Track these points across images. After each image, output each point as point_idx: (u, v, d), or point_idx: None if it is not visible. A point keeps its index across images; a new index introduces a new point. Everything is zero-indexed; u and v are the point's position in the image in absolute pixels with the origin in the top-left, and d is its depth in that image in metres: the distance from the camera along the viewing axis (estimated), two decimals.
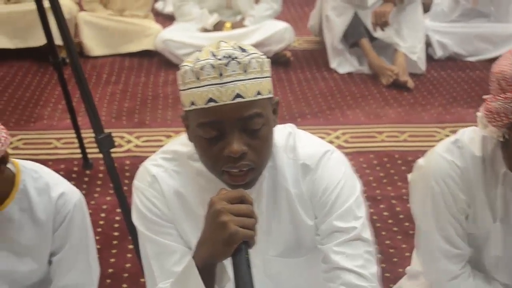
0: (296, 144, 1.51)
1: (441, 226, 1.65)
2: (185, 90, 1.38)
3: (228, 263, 1.29)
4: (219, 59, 1.34)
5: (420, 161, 1.68)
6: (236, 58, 1.34)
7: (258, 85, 1.36)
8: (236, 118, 1.34)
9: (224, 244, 1.25)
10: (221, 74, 1.33)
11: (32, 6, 2.74)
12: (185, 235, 1.51)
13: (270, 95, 1.41)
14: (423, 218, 1.69)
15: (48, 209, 1.64)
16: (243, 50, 1.37)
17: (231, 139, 1.35)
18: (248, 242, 1.27)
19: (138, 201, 1.52)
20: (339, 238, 1.46)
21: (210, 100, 1.33)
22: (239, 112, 1.34)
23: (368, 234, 1.50)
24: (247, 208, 1.28)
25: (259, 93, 1.36)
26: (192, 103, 1.36)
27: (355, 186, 1.52)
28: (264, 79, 1.38)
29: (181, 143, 1.55)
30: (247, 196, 1.30)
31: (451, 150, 1.61)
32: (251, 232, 1.26)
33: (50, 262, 1.71)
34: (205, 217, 1.31)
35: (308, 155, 1.50)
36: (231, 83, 1.33)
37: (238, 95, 1.34)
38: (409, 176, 1.76)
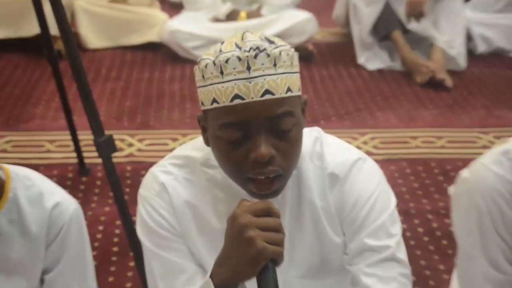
0: (323, 151, 1.50)
1: (487, 249, 1.63)
2: (205, 86, 1.37)
3: (249, 284, 1.29)
4: (247, 51, 1.33)
5: (465, 173, 1.67)
6: (265, 50, 1.34)
7: (288, 80, 1.36)
8: (265, 117, 1.33)
9: (250, 262, 1.25)
10: (249, 68, 1.33)
11: None
12: (197, 251, 1.51)
13: (300, 93, 1.41)
14: (466, 239, 1.68)
15: (41, 221, 1.64)
16: (271, 41, 1.37)
17: (259, 142, 1.34)
18: (276, 260, 1.27)
19: (144, 212, 1.52)
20: (370, 258, 1.45)
21: (236, 96, 1.33)
22: (268, 110, 1.33)
23: (403, 254, 1.49)
24: (274, 221, 1.28)
25: (289, 90, 1.36)
26: (214, 101, 1.35)
27: (390, 200, 1.51)
28: (294, 74, 1.38)
29: (193, 147, 1.55)
30: (274, 208, 1.30)
31: (501, 162, 1.60)
32: (280, 248, 1.26)
33: (42, 281, 1.72)
34: (226, 232, 1.31)
35: (337, 163, 1.49)
36: (260, 77, 1.33)
37: (268, 91, 1.33)
38: (451, 189, 1.75)
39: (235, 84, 1.33)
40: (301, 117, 1.41)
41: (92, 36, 5.00)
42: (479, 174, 1.62)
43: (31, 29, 4.46)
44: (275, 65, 1.34)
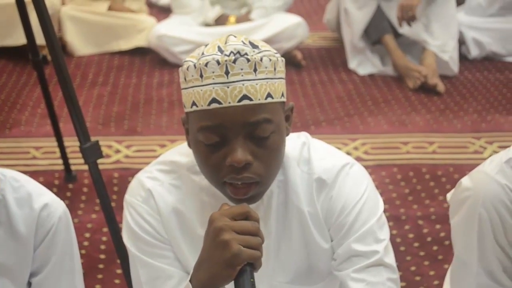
0: (311, 156, 1.53)
1: (486, 259, 1.63)
2: (187, 88, 1.41)
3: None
4: (226, 55, 1.36)
5: (466, 182, 1.66)
6: (245, 54, 1.37)
7: (270, 86, 1.38)
8: (242, 122, 1.36)
9: (226, 266, 1.27)
10: (227, 72, 1.36)
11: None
12: (184, 258, 1.53)
13: (283, 99, 1.43)
14: (465, 248, 1.68)
15: (29, 222, 1.65)
16: (254, 46, 1.40)
17: (235, 147, 1.37)
18: (254, 264, 1.29)
19: (130, 219, 1.54)
20: (358, 264, 1.48)
21: (213, 100, 1.36)
22: (245, 116, 1.36)
23: (391, 259, 1.52)
24: (252, 225, 1.30)
25: (269, 96, 1.38)
26: (194, 104, 1.39)
27: (377, 205, 1.53)
28: (277, 80, 1.41)
29: (180, 152, 1.57)
30: (252, 212, 1.32)
31: (504, 171, 1.59)
32: (256, 252, 1.28)
33: (29, 284, 1.72)
34: (204, 235, 1.33)
35: (325, 168, 1.51)
36: (238, 82, 1.36)
37: (245, 97, 1.36)
38: (448, 196, 1.75)
39: (213, 88, 1.36)
40: (282, 124, 1.43)
41: (79, 43, 4.99)
42: (482, 183, 1.61)
43: (18, 38, 4.46)
44: (255, 70, 1.37)
